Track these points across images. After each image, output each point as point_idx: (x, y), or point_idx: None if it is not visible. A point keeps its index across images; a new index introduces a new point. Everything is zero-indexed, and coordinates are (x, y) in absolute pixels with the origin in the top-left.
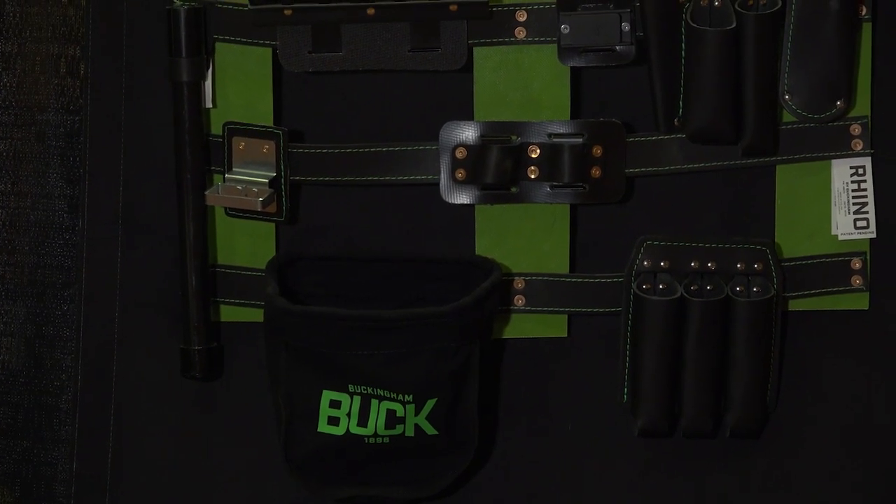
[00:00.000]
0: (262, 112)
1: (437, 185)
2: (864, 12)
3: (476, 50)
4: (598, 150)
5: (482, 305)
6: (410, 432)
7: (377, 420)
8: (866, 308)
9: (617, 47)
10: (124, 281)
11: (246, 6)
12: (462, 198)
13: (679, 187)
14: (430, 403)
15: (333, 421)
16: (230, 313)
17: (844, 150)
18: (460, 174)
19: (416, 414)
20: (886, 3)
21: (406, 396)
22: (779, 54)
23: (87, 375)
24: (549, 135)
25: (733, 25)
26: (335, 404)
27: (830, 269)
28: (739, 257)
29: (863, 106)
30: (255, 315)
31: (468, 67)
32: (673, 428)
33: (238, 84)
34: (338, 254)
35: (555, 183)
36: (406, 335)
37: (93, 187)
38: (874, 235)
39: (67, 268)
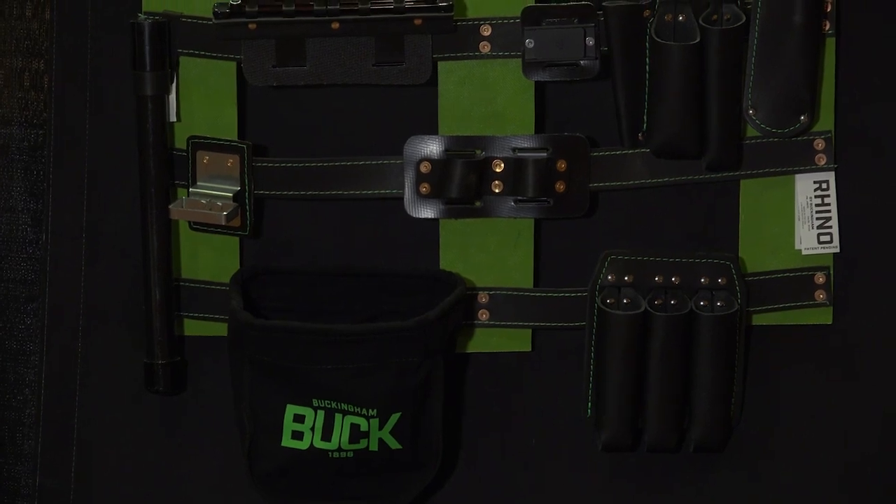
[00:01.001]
0: (226, 126)
1: (402, 199)
2: (827, 28)
3: (440, 64)
4: (562, 165)
5: (446, 320)
6: (374, 447)
7: (341, 434)
8: (830, 322)
9: (581, 62)
10: (88, 295)
11: (210, 20)
12: (426, 212)
13: (643, 202)
14: (395, 418)
15: (297, 435)
16: (194, 327)
17: (808, 165)
18: (424, 188)
19: (380, 428)
20: (849, 19)
21: (370, 411)
22: (743, 69)
23: (50, 390)
24: (514, 149)
25: (697, 40)
26: (299, 418)
27: (794, 283)
28: (703, 272)
29: (826, 121)
30: (220, 329)
31: (433, 81)
32: (637, 442)
33: (202, 98)
34: (302, 268)
35: (519, 197)
36: (370, 349)
37: (56, 201)
38: (837, 250)
39: (31, 282)
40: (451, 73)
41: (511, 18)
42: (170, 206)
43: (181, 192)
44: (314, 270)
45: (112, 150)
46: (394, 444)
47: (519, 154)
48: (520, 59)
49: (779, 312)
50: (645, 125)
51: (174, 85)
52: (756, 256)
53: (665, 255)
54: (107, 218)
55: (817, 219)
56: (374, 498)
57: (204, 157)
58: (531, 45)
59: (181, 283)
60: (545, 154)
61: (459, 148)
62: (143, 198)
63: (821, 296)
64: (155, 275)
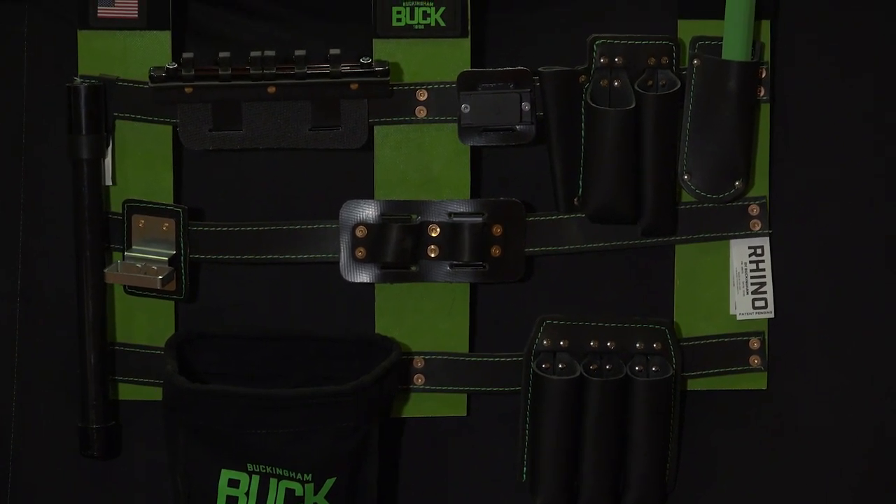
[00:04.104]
0: (162, 190)
1: (338, 263)
2: (762, 93)
3: (377, 129)
4: (498, 229)
5: (381, 384)
6: None
7: (276, 499)
8: (764, 388)
9: (517, 127)
10: (22, 358)
11: (146, 84)
12: (362, 276)
13: (579, 266)
14: (330, 482)
15: (232, 500)
16: (129, 391)
17: (743, 231)
18: (360, 253)
19: (315, 493)
20: (784, 85)
21: (305, 475)
22: (678, 135)
23: None
24: (450, 214)
25: (632, 106)
26: (234, 483)
27: (729, 348)
28: (638, 337)
29: (761, 186)
30: (154, 393)
31: (369, 146)
32: None
33: (138, 161)
34: (237, 332)
35: (455, 262)
36: (305, 414)
37: None
38: (772, 315)
39: None
40: (387, 138)
41: (447, 83)
42: (105, 270)
43: (116, 255)
44: (250, 334)
45: (47, 213)
46: None
47: (455, 219)
48: (456, 124)
49: (714, 377)
50: (581, 190)
51: (110, 148)
52: (691, 321)
53: (600, 320)
54: (42, 281)
55: (752, 284)
56: None
57: (139, 221)
58: (467, 110)
59: (116, 347)
60: (481, 219)
61: (395, 212)
62: (78, 261)
63: (755, 361)
64: (90, 338)
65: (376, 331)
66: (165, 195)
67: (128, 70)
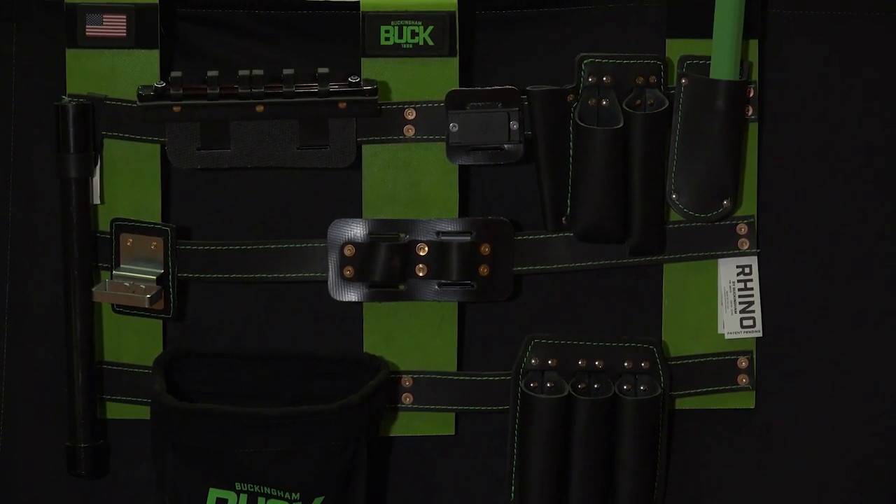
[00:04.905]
0: (150, 208)
1: (326, 282)
2: (750, 113)
3: (365, 147)
4: (486, 248)
5: (369, 403)
6: None
7: None
8: (752, 407)
9: (505, 146)
10: (10, 376)
11: (135, 103)
12: (350, 295)
13: (567, 285)
14: (317, 502)
15: None
16: (117, 410)
17: (731, 250)
18: (348, 272)
19: None
20: (772, 104)
21: (293, 494)
22: (666, 154)
23: None
24: (438, 233)
25: (621, 125)
26: (221, 502)
27: (717, 367)
28: (627, 356)
29: (749, 205)
30: (142, 412)
31: (357, 165)
32: None
33: (126, 180)
34: (225, 351)
35: (443, 281)
36: (293, 433)
37: None
38: (760, 334)
39: None
40: (375, 157)
41: (435, 102)
42: (93, 289)
43: (104, 274)
44: (238, 353)
45: (36, 232)
46: None
47: (443, 237)
48: (444, 143)
49: (702, 396)
50: (569, 209)
51: (98, 167)
52: (679, 340)
53: (589, 339)
54: (30, 300)
55: (740, 303)
56: None
57: (127, 240)
58: (455, 129)
59: (104, 366)
60: (469, 238)
61: (383, 231)
62: (66, 280)
63: (743, 380)
64: (77, 357)
65: (364, 349)
66: (154, 214)
67: (116, 89)
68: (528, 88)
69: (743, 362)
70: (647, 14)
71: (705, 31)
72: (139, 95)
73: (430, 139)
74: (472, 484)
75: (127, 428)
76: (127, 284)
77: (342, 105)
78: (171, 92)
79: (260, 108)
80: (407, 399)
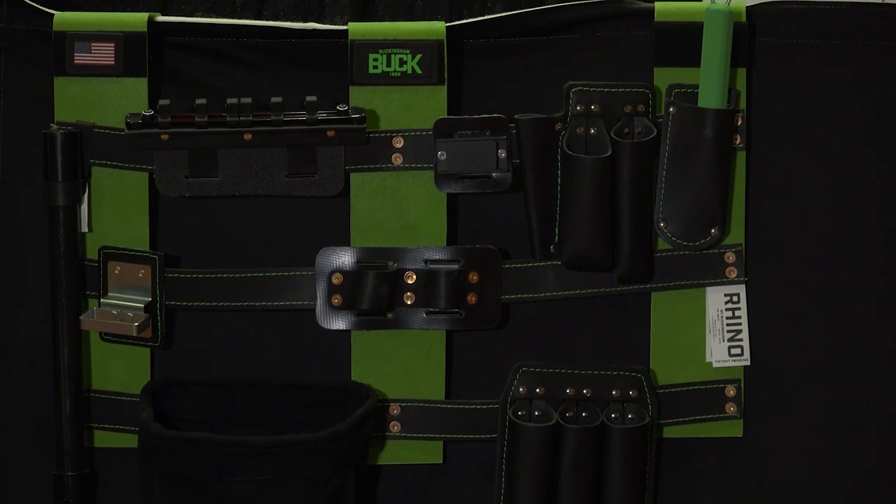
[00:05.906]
0: (137, 236)
1: (314, 310)
2: (738, 141)
3: (353, 176)
4: (474, 277)
5: (357, 432)
6: None
7: None
8: (740, 435)
9: (493, 174)
10: None
11: (123, 131)
12: (338, 323)
13: (555, 314)
14: None
15: None
16: (104, 439)
17: (719, 278)
18: (336, 300)
19: None
20: (760, 133)
21: None
22: (654, 182)
23: None
24: (426, 261)
25: (609, 153)
26: None
27: (705, 396)
28: (615, 384)
29: (737, 234)
30: (130, 441)
31: (345, 193)
32: None
33: (114, 208)
34: (213, 379)
35: (431, 309)
36: (280, 461)
37: None
38: (748, 363)
39: None
40: (363, 185)
41: (423, 130)
42: (81, 317)
43: (92, 302)
44: (226, 382)
45: (23, 259)
46: None
47: (431, 266)
48: (432, 171)
49: (690, 425)
50: (557, 237)
51: (86, 195)
52: (667, 369)
53: (576, 368)
54: (18, 328)
55: (728, 331)
56: None
57: (115, 268)
58: (443, 158)
59: (91, 394)
60: (457, 266)
61: (371, 259)
62: (53, 308)
63: (731, 408)
64: (65, 385)
65: (352, 378)
66: (141, 242)
67: (104, 117)
68: (516, 117)
69: (731, 391)
70: (635, 42)
71: (693, 60)
72: (127, 123)
73: (419, 167)
74: None
75: (114, 456)
76: (115, 312)
77: (330, 133)
78: (160, 120)
79: (248, 137)
80: (395, 427)
